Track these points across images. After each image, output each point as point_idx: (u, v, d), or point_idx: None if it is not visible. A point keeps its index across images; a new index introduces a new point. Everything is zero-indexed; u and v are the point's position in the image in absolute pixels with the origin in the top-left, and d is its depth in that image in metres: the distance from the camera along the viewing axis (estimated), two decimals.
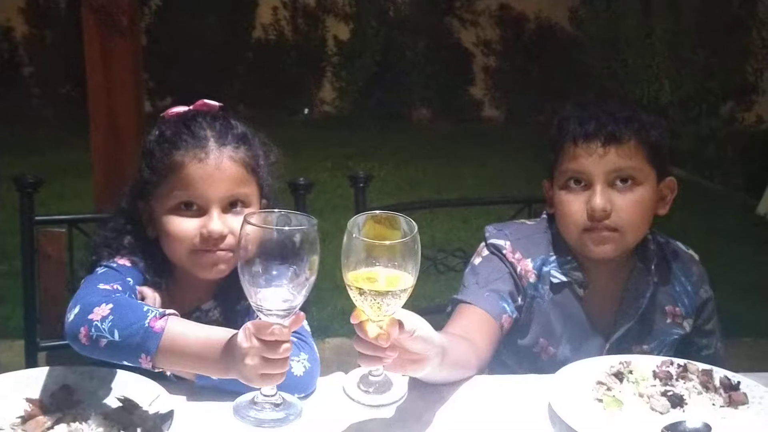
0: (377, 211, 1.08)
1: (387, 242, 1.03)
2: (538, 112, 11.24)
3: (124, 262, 1.40)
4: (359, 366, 1.13)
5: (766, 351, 3.90)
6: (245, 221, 1.07)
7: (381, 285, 1.03)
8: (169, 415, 1.17)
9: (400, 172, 7.99)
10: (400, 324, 1.06)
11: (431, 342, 1.14)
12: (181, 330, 1.19)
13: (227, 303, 1.47)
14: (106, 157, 3.19)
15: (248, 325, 1.10)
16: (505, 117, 11.35)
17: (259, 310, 1.08)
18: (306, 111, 11.51)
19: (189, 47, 10.94)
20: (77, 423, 1.16)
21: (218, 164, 1.37)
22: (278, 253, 1.05)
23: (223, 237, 1.35)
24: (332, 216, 6.05)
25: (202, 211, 1.37)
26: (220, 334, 1.17)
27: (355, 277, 1.03)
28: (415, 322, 1.10)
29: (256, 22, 11.87)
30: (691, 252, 1.68)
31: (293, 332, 1.18)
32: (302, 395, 1.29)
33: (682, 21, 8.18)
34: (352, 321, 1.07)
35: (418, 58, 11.23)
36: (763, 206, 6.87)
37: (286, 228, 1.07)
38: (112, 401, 1.23)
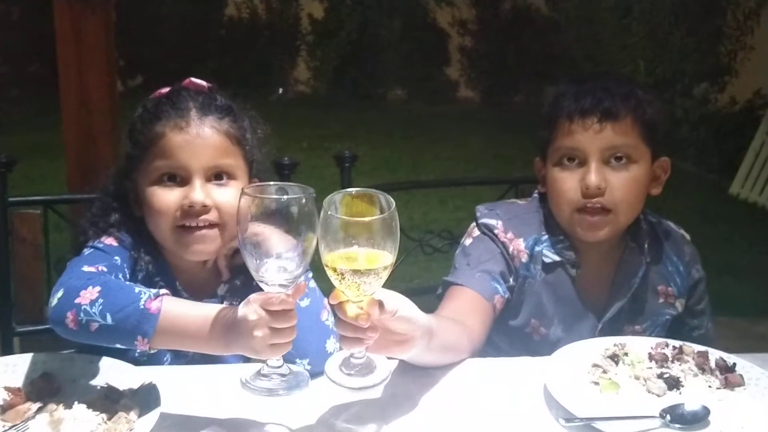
0: (353, 189, 1.05)
1: (365, 219, 1.00)
2: (513, 93, 11.24)
3: (110, 241, 1.35)
4: (341, 348, 1.11)
5: (743, 330, 3.95)
6: (243, 193, 1.04)
7: (360, 264, 1.00)
8: (155, 403, 1.13)
9: (376, 152, 7.92)
10: (381, 304, 1.04)
11: (416, 322, 1.12)
12: (178, 309, 1.15)
13: (245, 283, 1.41)
14: (78, 136, 3.10)
15: (251, 297, 1.07)
16: (480, 98, 11.31)
17: (261, 281, 1.06)
18: (280, 91, 11.35)
19: (159, 24, 10.74)
20: (59, 412, 1.11)
21: (199, 132, 1.32)
22: (277, 223, 1.03)
23: (206, 209, 1.30)
24: None
25: (184, 183, 1.32)
26: (218, 310, 1.14)
27: (332, 257, 1.01)
28: (398, 301, 1.08)
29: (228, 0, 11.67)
30: (682, 232, 1.66)
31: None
32: (318, 370, 1.26)
33: (658, 1, 8.20)
34: (331, 302, 1.06)
35: (393, 37, 11.13)
36: (736, 186, 6.97)
37: (284, 197, 1.05)
38: (94, 388, 1.18)
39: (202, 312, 1.14)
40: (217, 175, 1.33)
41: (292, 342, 1.11)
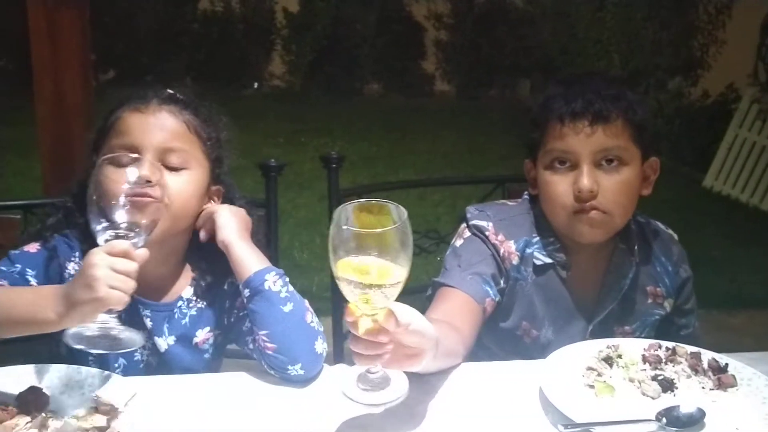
0: (364, 200, 1.03)
1: (378, 230, 0.98)
2: (488, 86, 11.26)
3: (30, 247, 1.35)
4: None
5: (718, 322, 4.01)
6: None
7: (373, 277, 0.98)
8: (146, 415, 1.10)
9: (353, 147, 7.88)
10: (395, 317, 1.01)
11: (426, 334, 1.10)
12: (3, 293, 1.18)
13: (212, 284, 1.42)
14: (53, 134, 3.03)
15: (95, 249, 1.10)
16: (456, 91, 11.30)
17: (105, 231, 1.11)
18: (255, 85, 11.25)
19: (132, 18, 10.56)
20: (49, 428, 1.08)
21: (156, 113, 1.34)
22: None
23: (149, 184, 1.23)
24: (287, 194, 5.94)
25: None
26: (49, 287, 1.17)
27: (345, 270, 0.98)
28: (410, 314, 1.05)
29: None
30: (670, 231, 1.67)
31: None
32: (312, 374, 1.30)
33: None
34: (348, 319, 1.02)
35: (368, 31, 11.08)
36: (709, 179, 7.05)
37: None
38: (84, 401, 1.16)
39: (32, 289, 1.19)
40: (172, 165, 1.33)
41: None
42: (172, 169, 1.32)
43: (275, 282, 1.32)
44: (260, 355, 1.31)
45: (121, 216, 1.12)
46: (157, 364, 1.39)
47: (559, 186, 1.46)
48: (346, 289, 1.00)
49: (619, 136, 1.44)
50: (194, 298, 1.42)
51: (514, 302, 1.56)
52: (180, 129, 1.34)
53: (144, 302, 1.38)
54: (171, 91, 1.39)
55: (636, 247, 1.56)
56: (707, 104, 7.84)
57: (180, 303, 1.41)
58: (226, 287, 1.43)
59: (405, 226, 0.99)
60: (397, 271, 1.00)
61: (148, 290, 1.38)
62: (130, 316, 1.36)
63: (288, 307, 1.31)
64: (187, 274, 1.43)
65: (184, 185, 1.33)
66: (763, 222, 6.21)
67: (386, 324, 1.00)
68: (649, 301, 1.59)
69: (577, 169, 1.44)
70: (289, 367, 1.28)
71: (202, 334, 1.42)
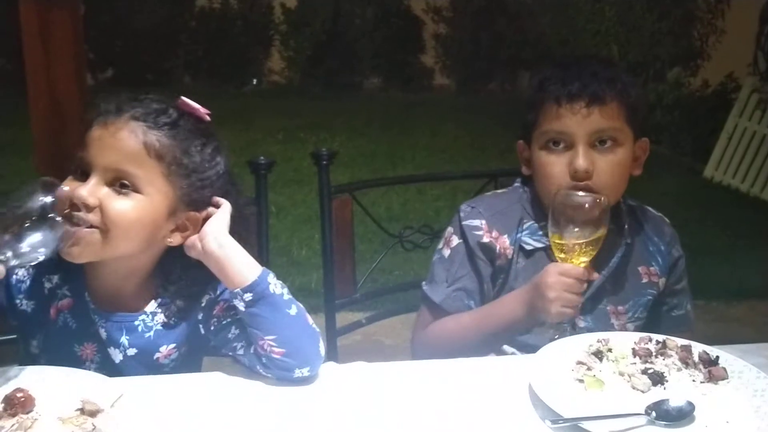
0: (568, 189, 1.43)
1: (589, 200, 1.38)
2: (488, 79, 11.25)
3: None
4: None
5: (718, 313, 4.01)
6: None
7: (586, 238, 1.36)
8: (134, 417, 1.10)
9: (353, 142, 7.90)
10: None
11: None
12: None
13: (183, 308, 1.37)
14: (47, 134, 3.03)
15: None
16: (455, 85, 11.30)
17: None
18: (254, 81, 11.27)
19: (130, 16, 10.56)
20: (34, 429, 1.08)
21: (115, 132, 1.25)
22: None
23: (85, 206, 1.21)
24: (286, 190, 5.94)
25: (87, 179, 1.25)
26: None
27: (570, 234, 1.35)
28: None
29: None
30: (661, 215, 1.69)
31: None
32: (314, 375, 1.28)
33: None
34: (568, 276, 1.37)
35: (367, 25, 11.08)
36: (710, 169, 7.03)
37: None
38: (69, 404, 1.15)
39: None
40: (123, 184, 1.25)
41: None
42: (122, 191, 1.25)
43: (276, 285, 1.28)
44: (259, 360, 1.27)
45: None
46: (110, 375, 1.28)
47: (555, 167, 1.48)
48: (566, 251, 1.38)
49: (614, 118, 1.46)
50: (159, 311, 1.36)
51: (508, 292, 1.56)
52: (137, 151, 1.25)
53: (99, 312, 1.33)
54: (157, 106, 1.30)
55: (626, 227, 1.56)
56: (707, 94, 7.84)
57: (143, 316, 1.35)
58: (203, 303, 1.37)
59: (607, 202, 1.39)
60: (600, 232, 1.36)
61: (105, 301, 1.34)
62: (82, 326, 1.34)
63: (293, 311, 1.28)
64: (154, 290, 1.37)
65: (128, 209, 1.24)
66: (763, 212, 6.20)
67: (591, 275, 1.42)
68: (644, 280, 1.60)
69: (573, 150, 1.46)
70: (297, 370, 1.25)
71: (166, 350, 1.36)
